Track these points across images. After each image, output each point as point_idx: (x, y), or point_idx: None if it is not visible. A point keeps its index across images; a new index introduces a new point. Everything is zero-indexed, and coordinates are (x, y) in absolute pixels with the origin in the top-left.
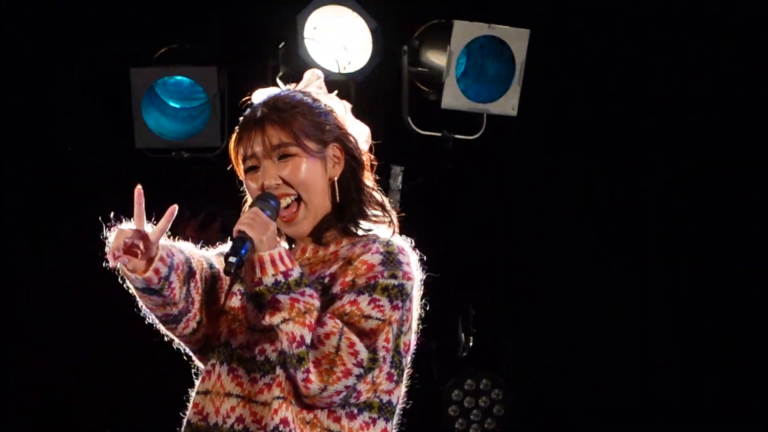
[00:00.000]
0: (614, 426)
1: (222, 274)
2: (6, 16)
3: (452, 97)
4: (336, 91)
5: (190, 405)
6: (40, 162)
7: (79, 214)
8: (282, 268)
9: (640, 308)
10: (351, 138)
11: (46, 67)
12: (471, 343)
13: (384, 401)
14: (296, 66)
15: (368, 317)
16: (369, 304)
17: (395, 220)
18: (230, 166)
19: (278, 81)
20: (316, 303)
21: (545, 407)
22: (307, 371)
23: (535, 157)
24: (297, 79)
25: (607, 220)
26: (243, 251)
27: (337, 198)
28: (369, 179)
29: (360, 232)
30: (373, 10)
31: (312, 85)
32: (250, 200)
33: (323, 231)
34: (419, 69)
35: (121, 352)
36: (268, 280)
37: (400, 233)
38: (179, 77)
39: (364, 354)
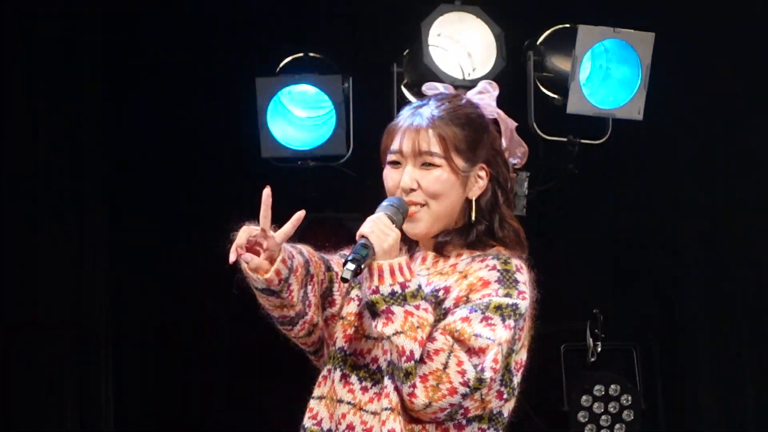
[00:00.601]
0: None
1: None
2: (129, 28)
3: (577, 102)
4: None
5: (306, 409)
6: (168, 173)
7: (211, 225)
8: (400, 279)
9: None
10: (501, 161)
11: (170, 77)
12: (599, 348)
13: (494, 413)
14: (421, 73)
15: (478, 336)
16: (481, 322)
17: (525, 249)
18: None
19: (403, 89)
20: (430, 318)
21: (675, 412)
22: (413, 386)
23: (662, 161)
24: (421, 86)
25: (733, 223)
26: (363, 257)
27: (472, 218)
28: (509, 207)
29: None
30: (497, 16)
31: (485, 96)
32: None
33: (446, 243)
34: (544, 74)
35: (244, 355)
36: (385, 289)
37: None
38: (304, 86)
39: (471, 373)
